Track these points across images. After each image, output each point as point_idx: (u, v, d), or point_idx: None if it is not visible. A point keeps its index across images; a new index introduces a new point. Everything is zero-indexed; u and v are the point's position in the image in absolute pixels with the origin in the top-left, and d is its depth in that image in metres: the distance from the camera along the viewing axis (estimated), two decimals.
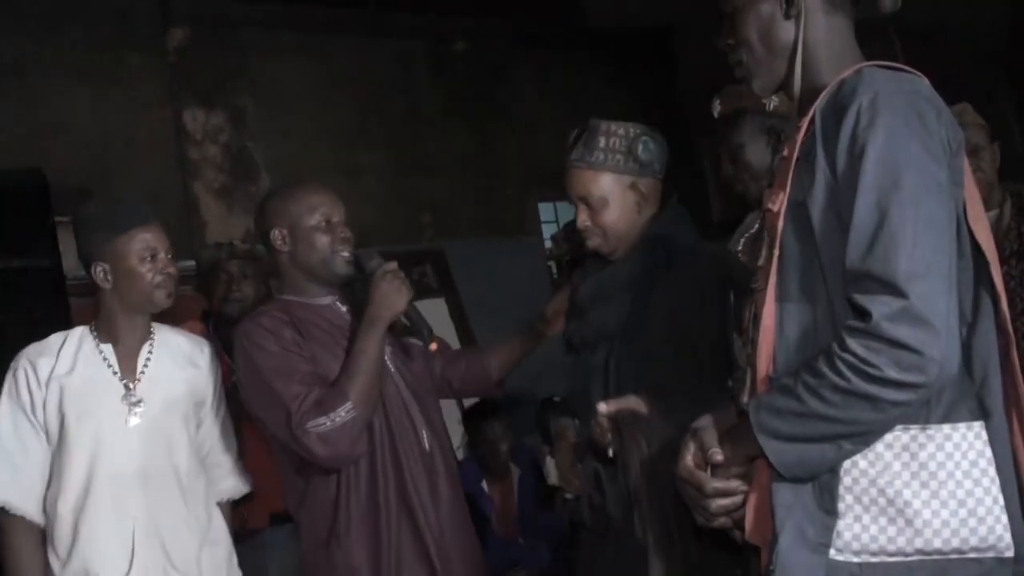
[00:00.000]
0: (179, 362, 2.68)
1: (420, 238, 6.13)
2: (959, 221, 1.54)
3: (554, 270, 6.74)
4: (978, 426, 1.51)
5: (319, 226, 2.60)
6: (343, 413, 2.40)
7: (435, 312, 5.80)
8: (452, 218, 6.23)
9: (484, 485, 4.67)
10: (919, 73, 1.61)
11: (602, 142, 2.40)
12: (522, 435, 4.97)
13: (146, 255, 2.53)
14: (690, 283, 2.30)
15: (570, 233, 6.75)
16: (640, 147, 2.40)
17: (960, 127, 1.61)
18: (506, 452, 4.70)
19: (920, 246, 1.43)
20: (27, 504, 2.51)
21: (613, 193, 2.40)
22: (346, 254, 2.62)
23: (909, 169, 1.46)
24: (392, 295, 2.52)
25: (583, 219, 2.44)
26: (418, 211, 6.15)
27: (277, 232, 2.63)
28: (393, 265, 2.57)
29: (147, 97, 5.41)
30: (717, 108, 2.46)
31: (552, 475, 5.13)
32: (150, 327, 2.67)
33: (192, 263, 4.91)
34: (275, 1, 5.74)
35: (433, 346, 2.60)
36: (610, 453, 2.17)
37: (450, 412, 5.37)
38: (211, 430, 2.76)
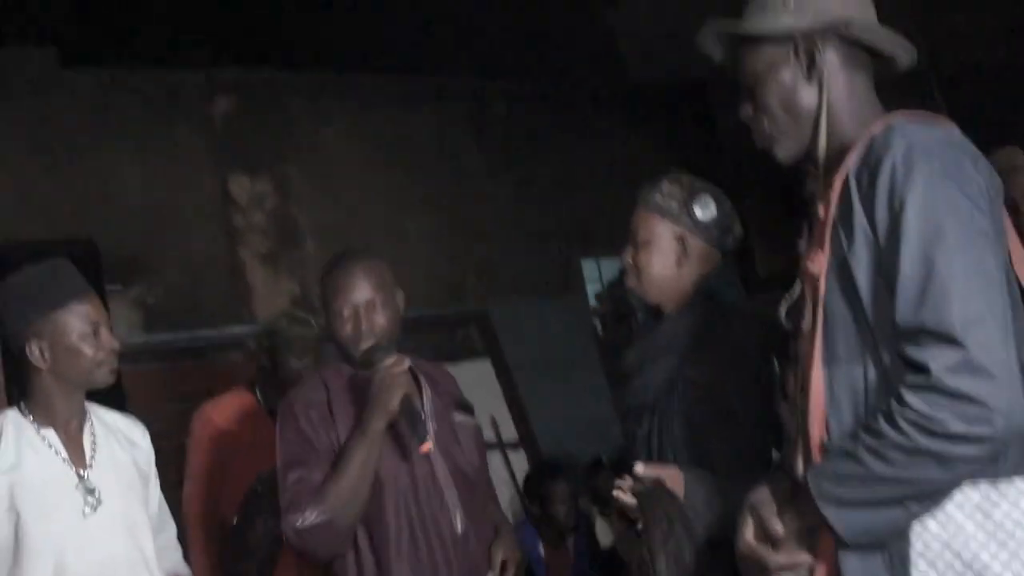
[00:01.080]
0: (121, 442, 2.51)
1: (465, 300, 6.14)
2: (1007, 269, 1.51)
3: (599, 328, 6.71)
4: None
5: (340, 314, 2.54)
6: (314, 516, 2.39)
7: (481, 374, 5.78)
8: (496, 279, 6.23)
9: (541, 549, 4.62)
10: (949, 121, 1.60)
11: (665, 187, 2.45)
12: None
13: (87, 331, 2.34)
14: (730, 347, 2.31)
15: (614, 291, 6.75)
16: (697, 205, 2.42)
17: (1010, 170, 1.58)
18: (567, 514, 4.65)
19: (972, 294, 1.40)
20: None
21: (658, 237, 2.43)
22: (365, 344, 2.52)
23: (951, 217, 1.44)
24: (383, 396, 2.43)
25: (627, 256, 2.49)
26: (463, 273, 6.17)
27: (320, 311, 2.68)
28: (391, 361, 2.47)
29: (194, 166, 5.51)
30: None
31: (605, 538, 5.07)
32: (85, 406, 2.47)
33: (239, 329, 4.96)
34: (318, 69, 5.83)
35: (424, 447, 2.46)
36: (638, 524, 2.17)
37: (498, 471, 5.34)
38: (156, 508, 2.60)
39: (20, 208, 4.95)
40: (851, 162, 1.57)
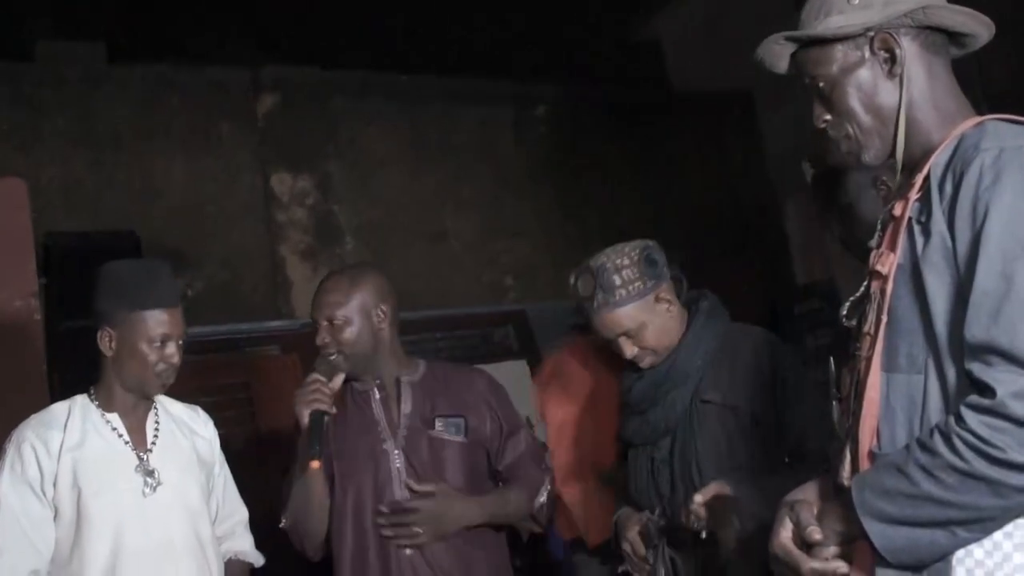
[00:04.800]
0: (183, 431, 2.59)
1: (503, 300, 6.13)
2: None
3: None
4: None
5: (317, 325, 2.66)
6: (284, 521, 2.63)
7: (517, 374, 5.77)
8: (534, 281, 6.23)
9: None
10: None
11: (618, 280, 2.47)
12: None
13: (156, 339, 2.41)
14: (742, 364, 2.46)
15: None
16: (646, 263, 2.49)
17: None
18: None
19: None
20: None
21: (646, 315, 2.48)
22: (330, 355, 2.64)
23: None
24: (296, 411, 2.54)
25: (630, 350, 2.51)
26: (501, 273, 6.17)
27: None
28: (311, 378, 2.57)
29: (237, 162, 5.55)
30: (809, 171, 2.35)
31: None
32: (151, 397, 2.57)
33: (278, 323, 5.00)
34: (361, 69, 5.86)
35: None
36: (703, 535, 2.29)
37: None
38: (221, 496, 2.67)
39: (65, 199, 5.03)
40: (936, 160, 1.49)
